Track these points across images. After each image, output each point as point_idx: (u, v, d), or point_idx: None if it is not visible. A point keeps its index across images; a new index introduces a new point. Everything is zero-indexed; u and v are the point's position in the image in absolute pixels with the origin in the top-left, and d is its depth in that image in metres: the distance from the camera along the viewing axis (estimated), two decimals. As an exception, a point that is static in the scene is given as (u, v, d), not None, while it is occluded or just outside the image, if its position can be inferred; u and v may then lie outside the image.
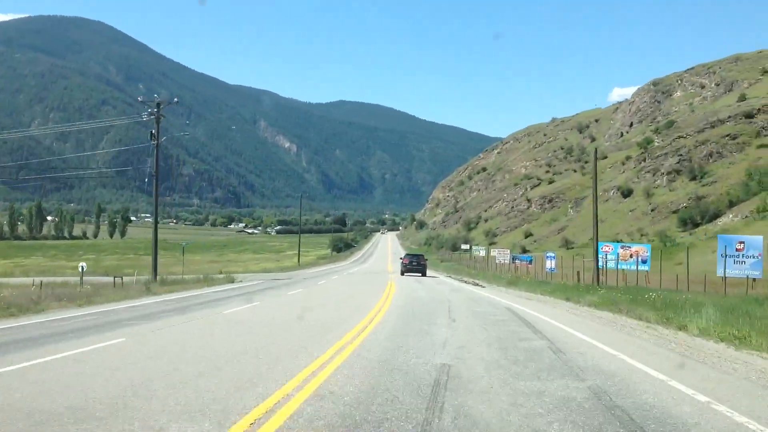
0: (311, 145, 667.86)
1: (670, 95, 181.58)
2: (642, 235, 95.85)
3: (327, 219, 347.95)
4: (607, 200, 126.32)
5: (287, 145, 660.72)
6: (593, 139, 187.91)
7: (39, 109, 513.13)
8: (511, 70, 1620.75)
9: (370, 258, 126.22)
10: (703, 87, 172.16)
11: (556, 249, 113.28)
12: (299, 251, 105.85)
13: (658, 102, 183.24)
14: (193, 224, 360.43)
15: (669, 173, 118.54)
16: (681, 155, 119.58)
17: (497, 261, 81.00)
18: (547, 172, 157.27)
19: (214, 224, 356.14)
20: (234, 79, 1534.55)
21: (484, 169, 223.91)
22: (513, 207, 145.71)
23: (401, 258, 61.18)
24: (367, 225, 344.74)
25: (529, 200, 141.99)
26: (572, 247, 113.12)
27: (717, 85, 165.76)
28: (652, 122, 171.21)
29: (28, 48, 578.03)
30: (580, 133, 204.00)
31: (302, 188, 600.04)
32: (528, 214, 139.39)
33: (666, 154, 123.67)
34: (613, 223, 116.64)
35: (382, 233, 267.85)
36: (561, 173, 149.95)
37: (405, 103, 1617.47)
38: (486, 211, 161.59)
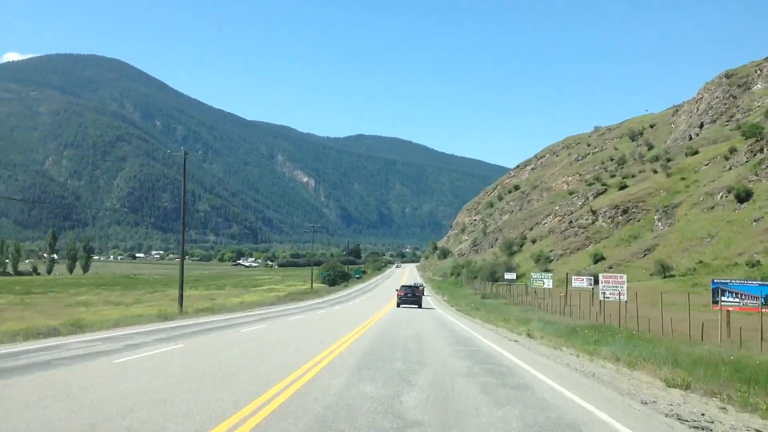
0: (329, 179, 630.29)
1: (749, 88, 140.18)
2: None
3: (341, 251, 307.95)
4: (713, 207, 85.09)
5: (305, 179, 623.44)
6: (650, 147, 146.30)
7: (53, 146, 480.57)
8: (530, 94, 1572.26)
9: (371, 291, 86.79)
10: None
11: (646, 278, 77.15)
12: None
13: (734, 97, 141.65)
14: (200, 260, 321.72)
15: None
16: (825, 138, 78.62)
17: (605, 297, 39.95)
18: (613, 176, 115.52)
19: (221, 259, 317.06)
20: (251, 114, 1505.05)
21: (516, 188, 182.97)
22: (571, 223, 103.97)
23: (396, 290, 57.44)
24: (386, 257, 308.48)
25: (594, 212, 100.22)
26: (671, 275, 73.25)
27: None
28: (729, 120, 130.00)
29: (44, 86, 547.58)
30: (632, 140, 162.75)
31: (321, 222, 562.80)
32: (594, 230, 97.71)
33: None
34: (731, 238, 75.96)
35: (397, 266, 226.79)
36: (634, 176, 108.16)
37: (423, 135, 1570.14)
38: (531, 229, 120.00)
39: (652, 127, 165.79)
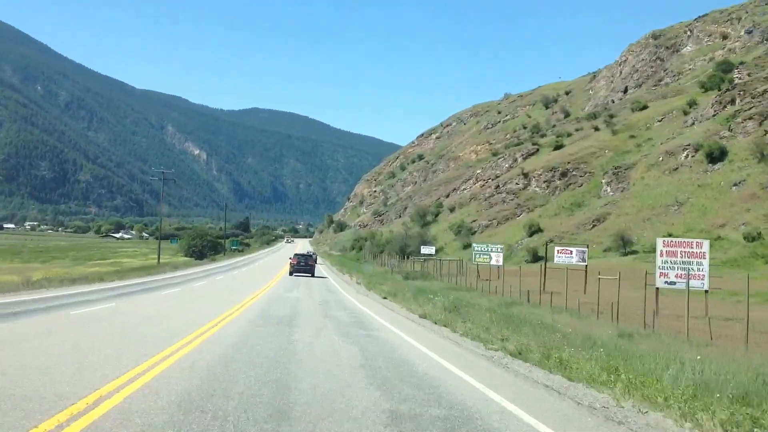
0: (222, 153, 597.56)
1: (677, 50, 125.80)
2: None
3: (231, 225, 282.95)
4: (676, 169, 67.81)
5: (197, 152, 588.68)
6: (567, 114, 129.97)
7: None
8: (426, 69, 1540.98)
9: (243, 267, 64.78)
10: (725, 37, 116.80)
11: (599, 254, 60.65)
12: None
13: (661, 59, 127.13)
14: (74, 231, 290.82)
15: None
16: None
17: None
18: (543, 136, 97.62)
19: (98, 231, 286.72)
20: (141, 83, 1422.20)
21: (421, 157, 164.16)
22: (498, 188, 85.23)
23: (290, 258, 56.70)
24: (278, 232, 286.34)
25: (525, 175, 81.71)
26: (632, 251, 55.68)
27: (749, 33, 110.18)
28: (656, 84, 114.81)
29: None
30: (546, 108, 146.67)
31: (212, 197, 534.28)
32: (526, 197, 79.37)
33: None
34: (706, 206, 58.84)
35: (288, 241, 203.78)
36: (570, 134, 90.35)
37: (319, 111, 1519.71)
38: (448, 196, 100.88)
39: (567, 93, 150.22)
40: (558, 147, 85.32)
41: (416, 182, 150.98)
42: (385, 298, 29.87)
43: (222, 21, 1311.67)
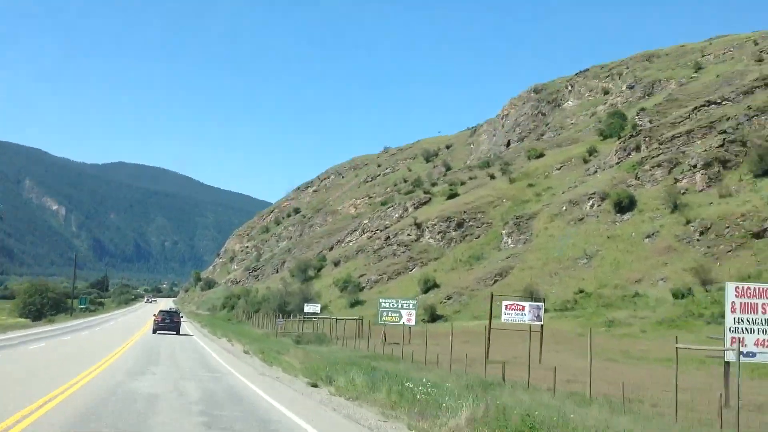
0: (83, 208, 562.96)
1: (559, 105, 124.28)
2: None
3: (88, 285, 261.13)
4: (581, 219, 61.84)
5: (55, 207, 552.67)
6: (448, 168, 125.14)
7: None
8: (305, 121, 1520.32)
9: (86, 331, 52.59)
10: (607, 92, 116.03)
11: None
12: None
13: (543, 114, 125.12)
14: None
15: (708, 166, 57.65)
16: (728, 132, 59.01)
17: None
18: (434, 185, 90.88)
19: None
20: None
21: (297, 211, 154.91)
22: (388, 239, 77.18)
23: (154, 315, 54.27)
24: (139, 291, 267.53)
25: (418, 225, 74.15)
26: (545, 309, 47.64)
27: (630, 88, 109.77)
28: (539, 138, 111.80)
29: None
30: (427, 161, 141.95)
31: (69, 254, 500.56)
32: (420, 249, 71.73)
33: (687, 134, 63.09)
34: (618, 259, 52.92)
35: (149, 301, 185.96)
36: (464, 183, 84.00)
37: (188, 166, 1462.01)
38: (332, 249, 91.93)
39: (448, 147, 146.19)
40: (452, 196, 78.67)
41: (292, 237, 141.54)
42: (315, 385, 18.20)
43: (87, 71, 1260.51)
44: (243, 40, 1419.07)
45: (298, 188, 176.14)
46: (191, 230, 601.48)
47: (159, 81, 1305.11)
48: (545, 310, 52.25)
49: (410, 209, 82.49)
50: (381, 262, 73.44)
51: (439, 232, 71.74)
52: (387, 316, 36.89)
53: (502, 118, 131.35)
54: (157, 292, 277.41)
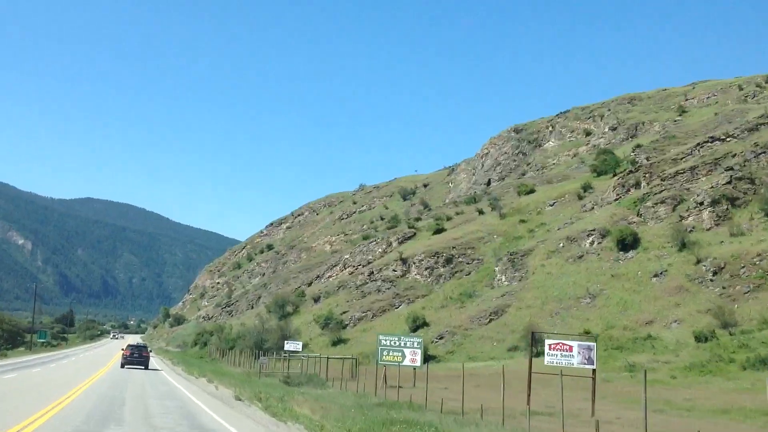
0: (49, 243, 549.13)
1: (539, 145, 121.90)
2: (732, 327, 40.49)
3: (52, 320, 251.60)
4: (581, 257, 58.27)
5: (21, 241, 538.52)
6: (426, 206, 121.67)
7: None
8: (277, 157, 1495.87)
9: (39, 368, 45.98)
10: (589, 134, 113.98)
11: (503, 355, 50.39)
12: None
13: (524, 153, 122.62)
14: None
15: (715, 203, 54.69)
16: (735, 169, 56.17)
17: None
18: (418, 219, 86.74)
19: None
20: None
21: (270, 247, 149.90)
22: (372, 275, 72.64)
23: (122, 349, 53.70)
24: (106, 327, 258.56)
25: (404, 261, 69.86)
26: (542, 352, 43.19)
27: (613, 129, 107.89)
28: (521, 177, 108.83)
29: None
30: (404, 199, 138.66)
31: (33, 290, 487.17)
32: (406, 285, 67.51)
33: (692, 171, 60.30)
34: (626, 299, 49.11)
35: (115, 337, 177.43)
36: (450, 218, 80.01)
37: (157, 203, 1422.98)
38: (311, 285, 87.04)
39: (425, 186, 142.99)
40: (438, 231, 74.71)
41: (265, 273, 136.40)
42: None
43: (56, 105, 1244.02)
44: (215, 75, 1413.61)
45: (272, 224, 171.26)
46: (159, 267, 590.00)
47: (128, 116, 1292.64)
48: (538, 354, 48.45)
49: (394, 244, 78.25)
50: (365, 298, 68.89)
51: (426, 268, 67.52)
52: (388, 355, 32.58)
53: (482, 157, 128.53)
54: (125, 329, 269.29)
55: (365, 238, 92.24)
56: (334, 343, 63.17)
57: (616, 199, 62.17)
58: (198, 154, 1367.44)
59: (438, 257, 67.72)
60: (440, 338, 55.89)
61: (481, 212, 75.40)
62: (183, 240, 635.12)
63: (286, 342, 55.27)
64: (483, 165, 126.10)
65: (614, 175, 66.81)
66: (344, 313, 67.96)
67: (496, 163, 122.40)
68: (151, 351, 63.53)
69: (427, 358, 53.51)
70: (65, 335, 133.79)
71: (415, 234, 78.97)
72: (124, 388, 29.44)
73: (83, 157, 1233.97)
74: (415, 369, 33.74)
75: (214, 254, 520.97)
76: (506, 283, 60.14)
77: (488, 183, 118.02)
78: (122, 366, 48.91)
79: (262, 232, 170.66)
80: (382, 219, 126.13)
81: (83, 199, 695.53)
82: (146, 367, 50.45)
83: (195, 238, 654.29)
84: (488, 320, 55.85)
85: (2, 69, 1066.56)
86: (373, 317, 65.37)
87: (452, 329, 56.22)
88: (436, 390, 28.39)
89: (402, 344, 32.93)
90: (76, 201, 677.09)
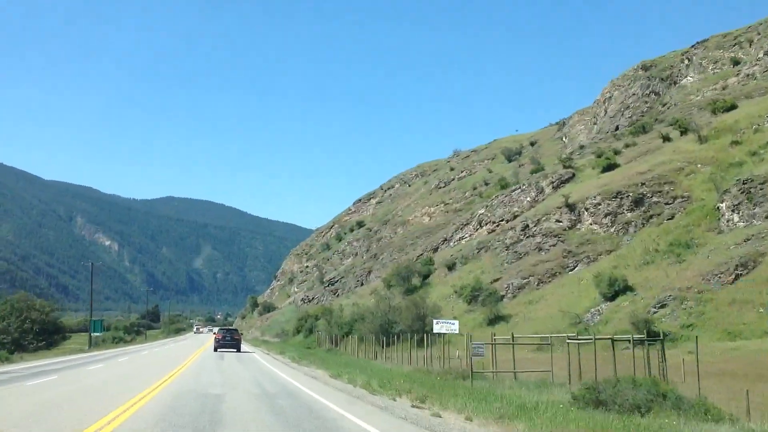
0: (135, 243, 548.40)
1: (675, 82, 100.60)
2: None
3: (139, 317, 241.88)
4: None
5: (108, 243, 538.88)
6: (539, 164, 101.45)
7: None
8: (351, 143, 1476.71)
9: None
10: (737, 62, 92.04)
11: None
12: None
13: (656, 93, 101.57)
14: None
15: None
16: None
17: None
18: (568, 160, 67.24)
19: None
20: (49, 174, 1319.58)
21: (360, 225, 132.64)
22: (526, 229, 53.69)
23: (214, 333, 57.34)
24: (193, 321, 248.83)
25: (571, 207, 50.79)
26: None
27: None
28: (658, 120, 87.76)
29: None
30: (510, 161, 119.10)
31: (124, 289, 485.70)
32: (580, 239, 48.07)
33: None
34: None
35: (198, 331, 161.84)
36: (619, 152, 60.42)
37: (236, 198, 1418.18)
38: (436, 250, 68.60)
39: (532, 144, 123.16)
40: (609, 168, 55.55)
41: (356, 253, 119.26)
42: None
43: (134, 109, 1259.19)
44: (290, 66, 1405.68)
45: (359, 200, 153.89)
46: (241, 261, 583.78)
47: (205, 115, 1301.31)
48: None
49: (547, 189, 59.36)
50: (521, 260, 50.31)
51: (606, 214, 48.45)
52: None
53: (604, 102, 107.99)
54: (212, 322, 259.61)
55: (503, 186, 73.36)
56: (491, 322, 44.87)
57: None
58: (272, 146, 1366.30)
59: (621, 199, 48.54)
60: (660, 306, 36.84)
61: (666, 139, 55.76)
62: (263, 233, 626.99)
63: (435, 322, 36.96)
64: (606, 111, 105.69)
65: None
66: (495, 281, 49.44)
67: (623, 107, 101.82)
68: (242, 333, 62.11)
69: (651, 334, 34.08)
70: (139, 330, 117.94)
71: (574, 175, 59.97)
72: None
73: (162, 158, 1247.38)
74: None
75: (293, 245, 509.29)
76: (741, 223, 40.61)
77: (616, 129, 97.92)
78: (215, 349, 48.71)
79: (349, 209, 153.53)
80: (486, 184, 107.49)
81: (164, 198, 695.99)
82: (238, 350, 50.11)
83: (274, 231, 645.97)
84: (733, 277, 36.55)
85: (79, 77, 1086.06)
86: (539, 284, 46.65)
87: (676, 293, 37.06)
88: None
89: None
90: (158, 200, 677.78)
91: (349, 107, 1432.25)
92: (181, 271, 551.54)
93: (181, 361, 37.71)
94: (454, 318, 45.83)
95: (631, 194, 48.56)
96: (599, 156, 59.55)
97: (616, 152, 59.24)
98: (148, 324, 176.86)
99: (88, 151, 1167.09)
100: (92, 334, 61.27)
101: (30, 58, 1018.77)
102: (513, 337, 27.38)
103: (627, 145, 60.72)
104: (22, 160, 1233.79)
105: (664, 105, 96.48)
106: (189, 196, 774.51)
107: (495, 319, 45.23)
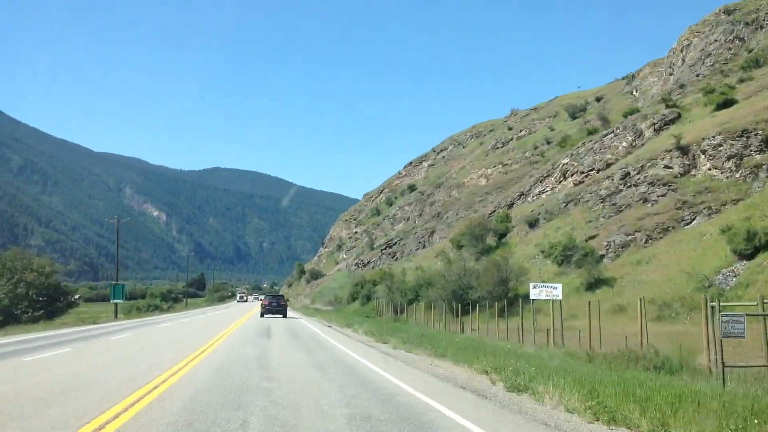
0: (182, 213, 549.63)
1: (762, 27, 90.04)
2: None
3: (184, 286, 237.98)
4: None
5: (156, 213, 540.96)
6: (606, 120, 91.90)
7: None
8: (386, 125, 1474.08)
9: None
10: None
11: None
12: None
13: (741, 39, 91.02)
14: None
15: None
16: None
17: None
18: (666, 101, 58.29)
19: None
20: (98, 145, 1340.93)
21: (412, 189, 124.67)
22: (626, 178, 45.25)
23: (261, 299, 59.04)
24: (239, 290, 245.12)
25: (684, 150, 42.11)
26: None
27: None
28: (746, 68, 77.56)
29: None
30: (573, 118, 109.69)
31: (172, 258, 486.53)
32: (697, 188, 39.34)
33: None
34: None
35: (242, 299, 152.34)
36: (733, 87, 51.38)
37: (281, 168, 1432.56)
38: (511, 206, 60.56)
39: (598, 100, 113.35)
40: (726, 104, 46.71)
41: (408, 218, 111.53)
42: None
43: (181, 81, 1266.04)
44: (337, 35, 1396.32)
45: (410, 164, 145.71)
46: (287, 231, 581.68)
47: (250, 87, 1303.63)
48: None
49: (647, 133, 50.70)
50: (621, 213, 42.03)
51: (729, 157, 39.83)
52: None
53: (682, 51, 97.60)
54: (258, 290, 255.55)
55: (591, 132, 64.60)
56: (590, 286, 36.82)
57: None
58: (317, 116, 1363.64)
59: (748, 138, 39.82)
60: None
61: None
62: (308, 203, 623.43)
63: (532, 286, 29.01)
64: (683, 60, 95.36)
65: None
66: (591, 238, 41.26)
67: (704, 55, 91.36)
68: (288, 300, 60.93)
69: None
70: (177, 297, 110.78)
71: (679, 115, 51.17)
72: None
73: (209, 129, 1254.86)
74: None
75: (338, 214, 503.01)
76: None
77: (698, 76, 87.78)
78: (261, 315, 48.92)
79: (400, 173, 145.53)
80: (548, 143, 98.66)
81: (211, 169, 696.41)
82: (284, 316, 50.04)
83: (320, 200, 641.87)
84: None
85: (128, 50, 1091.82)
86: (647, 241, 38.35)
87: None
88: None
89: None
90: (205, 171, 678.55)
91: (400, 69, 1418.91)
92: (228, 240, 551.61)
93: (199, 345, 30.36)
94: (545, 281, 37.81)
95: (760, 132, 39.81)
96: (710, 92, 50.53)
97: (730, 87, 50.18)
98: (194, 292, 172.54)
99: (136, 123, 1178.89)
100: (113, 301, 54.56)
101: (80, 35, 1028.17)
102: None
103: (742, 80, 51.67)
104: (72, 132, 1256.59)
105: (750, 51, 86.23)
106: (235, 166, 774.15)
107: (595, 283, 37.12)
